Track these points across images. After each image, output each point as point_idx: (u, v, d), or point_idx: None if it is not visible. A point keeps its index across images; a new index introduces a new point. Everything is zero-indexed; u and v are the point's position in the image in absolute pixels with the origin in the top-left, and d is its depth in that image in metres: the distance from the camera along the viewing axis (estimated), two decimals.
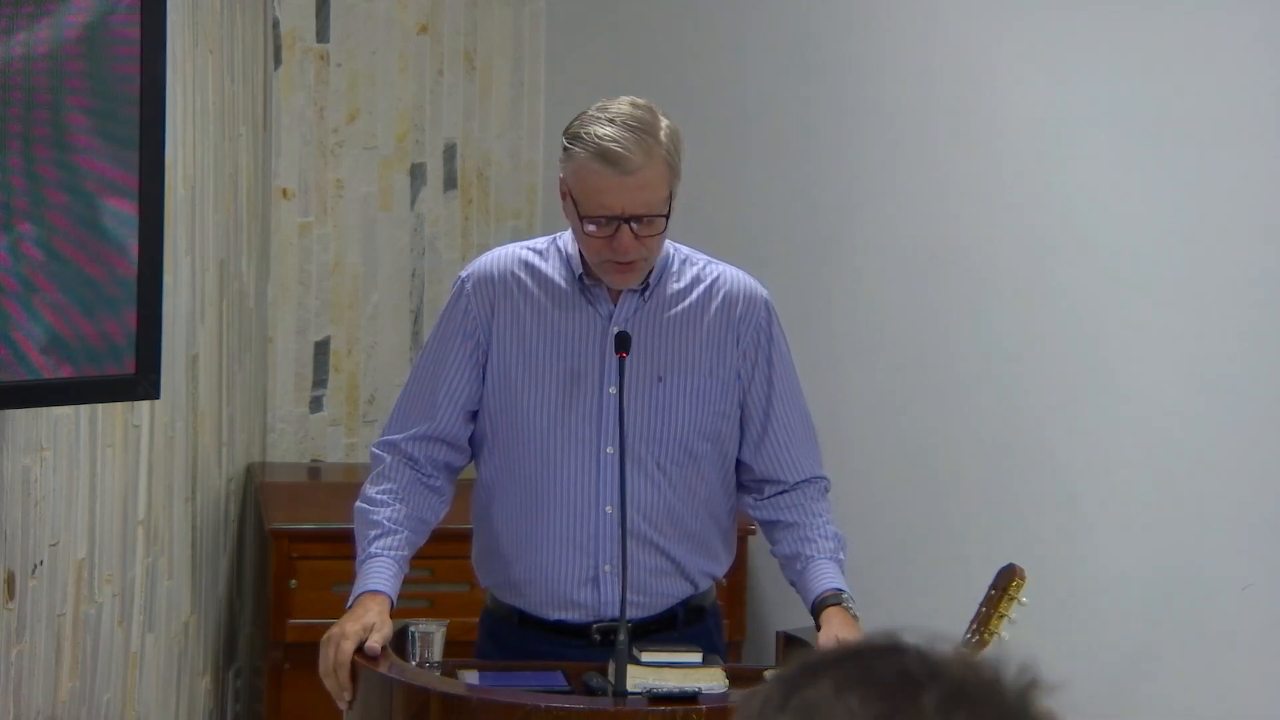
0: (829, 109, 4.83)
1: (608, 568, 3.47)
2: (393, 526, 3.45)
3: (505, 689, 3.29)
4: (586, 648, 3.46)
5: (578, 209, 3.36)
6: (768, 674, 2.38)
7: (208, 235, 4.86)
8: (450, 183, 5.73)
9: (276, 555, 4.93)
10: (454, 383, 3.51)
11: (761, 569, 5.07)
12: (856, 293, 4.74)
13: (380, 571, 3.40)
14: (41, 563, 3.78)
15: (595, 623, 3.48)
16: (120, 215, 3.36)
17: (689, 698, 3.22)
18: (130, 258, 3.38)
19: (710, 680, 3.27)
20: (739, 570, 4.75)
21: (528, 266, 3.51)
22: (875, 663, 1.33)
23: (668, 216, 3.36)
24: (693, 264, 3.53)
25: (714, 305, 3.50)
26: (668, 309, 3.49)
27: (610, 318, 3.47)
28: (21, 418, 3.63)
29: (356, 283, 5.67)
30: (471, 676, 3.40)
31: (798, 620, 4.24)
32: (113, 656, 4.22)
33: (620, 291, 3.46)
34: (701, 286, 3.51)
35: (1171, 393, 3.81)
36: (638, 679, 3.25)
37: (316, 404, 5.67)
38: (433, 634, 3.39)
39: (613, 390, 3.44)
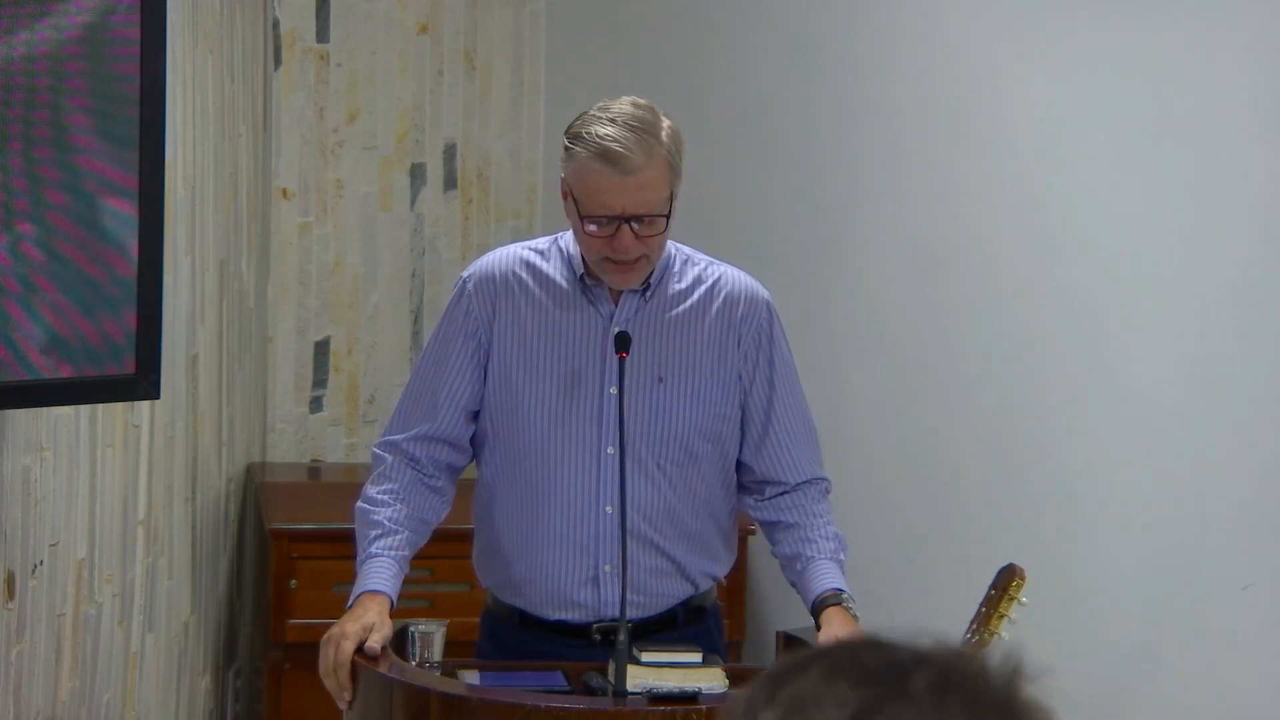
0: (829, 109, 4.83)
1: (608, 568, 3.47)
2: (393, 526, 3.45)
3: (505, 689, 3.29)
4: (587, 648, 3.46)
5: (578, 208, 3.36)
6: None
7: (208, 235, 4.86)
8: (450, 183, 5.73)
9: (276, 555, 4.93)
10: (455, 383, 3.51)
11: (761, 569, 5.07)
12: (856, 293, 4.75)
13: (380, 571, 3.40)
14: (41, 563, 3.78)
15: (595, 623, 3.48)
16: (120, 215, 3.36)
17: (689, 698, 3.22)
18: (130, 258, 3.38)
19: (710, 680, 3.27)
20: (739, 570, 4.74)
21: (529, 267, 3.51)
22: (862, 653, 1.34)
23: (668, 217, 3.36)
24: (694, 264, 3.53)
25: (715, 306, 3.50)
26: (669, 309, 3.49)
27: (611, 318, 3.47)
28: (21, 418, 3.63)
29: (356, 283, 5.67)
30: (472, 676, 3.40)
31: (798, 620, 4.24)
32: (113, 656, 4.22)
33: (621, 291, 3.46)
34: (703, 287, 3.51)
35: (1171, 393, 3.81)
36: (638, 679, 3.25)
37: (316, 404, 5.67)
38: (433, 634, 3.40)
39: (613, 390, 3.44)
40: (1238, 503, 3.69)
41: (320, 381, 5.67)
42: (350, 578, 3.46)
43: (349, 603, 3.39)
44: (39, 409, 3.66)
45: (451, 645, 3.44)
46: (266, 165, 5.53)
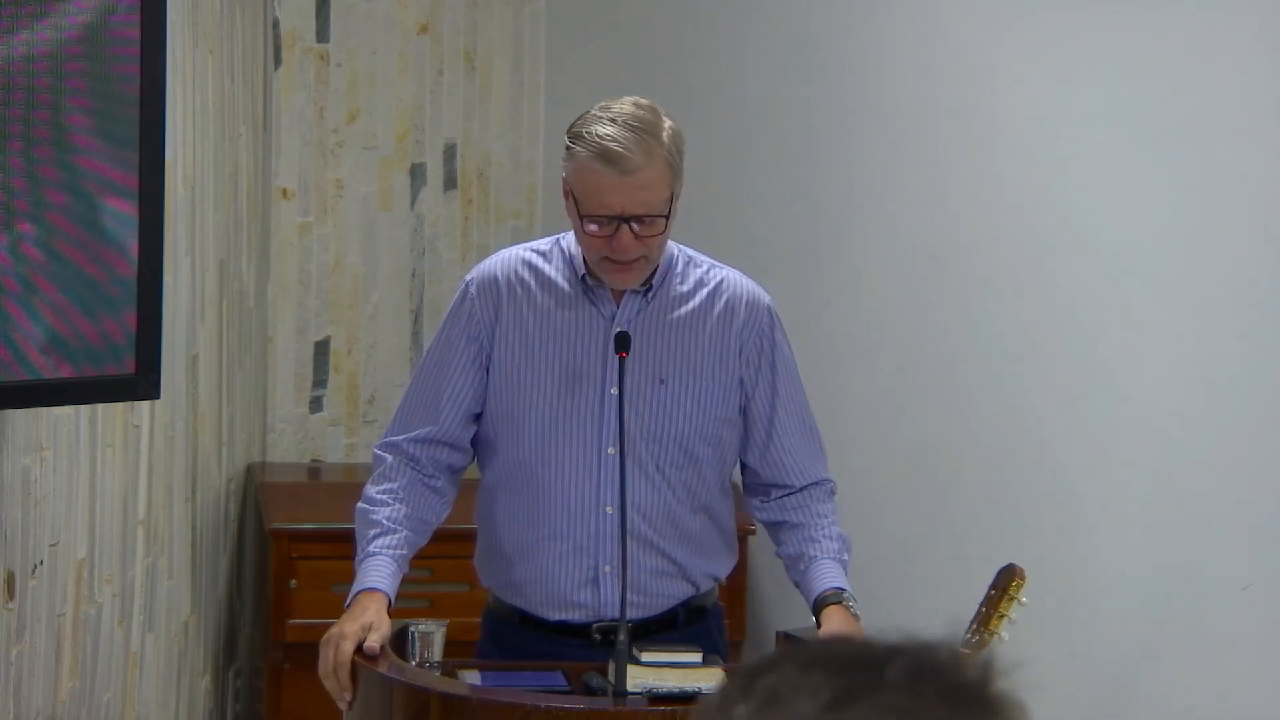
0: (829, 109, 4.83)
1: (608, 568, 3.47)
2: (392, 525, 3.45)
3: (505, 689, 3.29)
4: (587, 648, 3.46)
5: (578, 208, 3.36)
6: None
7: (208, 235, 4.86)
8: (450, 183, 5.73)
9: (276, 555, 4.93)
10: (457, 385, 3.51)
11: (762, 569, 5.07)
12: (856, 293, 4.74)
13: (378, 570, 3.41)
14: (41, 563, 3.78)
15: (595, 623, 3.48)
16: (120, 215, 3.36)
17: (689, 698, 3.22)
18: (130, 258, 3.38)
19: (710, 680, 3.27)
20: (739, 570, 4.74)
21: (531, 268, 3.51)
22: (836, 646, 1.34)
23: (668, 217, 3.36)
24: (697, 266, 3.53)
25: (717, 310, 3.50)
26: (671, 311, 3.49)
27: (613, 318, 3.47)
28: (21, 418, 3.63)
29: (356, 283, 5.67)
30: (472, 676, 3.40)
31: (798, 620, 4.23)
32: (113, 656, 4.22)
33: (624, 292, 3.46)
34: (705, 290, 3.51)
35: (1171, 393, 3.81)
36: (638, 679, 3.25)
37: (316, 404, 5.67)
38: (433, 634, 3.40)
39: (614, 391, 3.45)
40: (1238, 503, 3.69)
41: (320, 381, 5.67)
42: (350, 578, 3.46)
43: (347, 602, 3.40)
44: (39, 409, 3.66)
45: (451, 645, 3.44)
46: (266, 165, 5.53)
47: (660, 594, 3.52)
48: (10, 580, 3.63)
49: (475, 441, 3.57)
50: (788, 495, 3.56)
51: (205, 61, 4.75)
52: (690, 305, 3.50)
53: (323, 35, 5.60)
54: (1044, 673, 3.99)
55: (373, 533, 3.45)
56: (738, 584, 4.89)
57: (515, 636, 3.56)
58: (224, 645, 5.19)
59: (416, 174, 5.70)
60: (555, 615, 3.51)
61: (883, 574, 4.49)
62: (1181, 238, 3.80)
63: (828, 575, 3.47)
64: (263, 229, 5.51)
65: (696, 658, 3.35)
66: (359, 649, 3.29)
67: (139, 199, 3.36)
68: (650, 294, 3.48)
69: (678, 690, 3.24)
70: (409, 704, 3.24)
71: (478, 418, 3.55)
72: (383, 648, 3.31)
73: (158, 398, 3.56)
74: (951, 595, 3.87)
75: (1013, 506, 4.21)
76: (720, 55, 5.23)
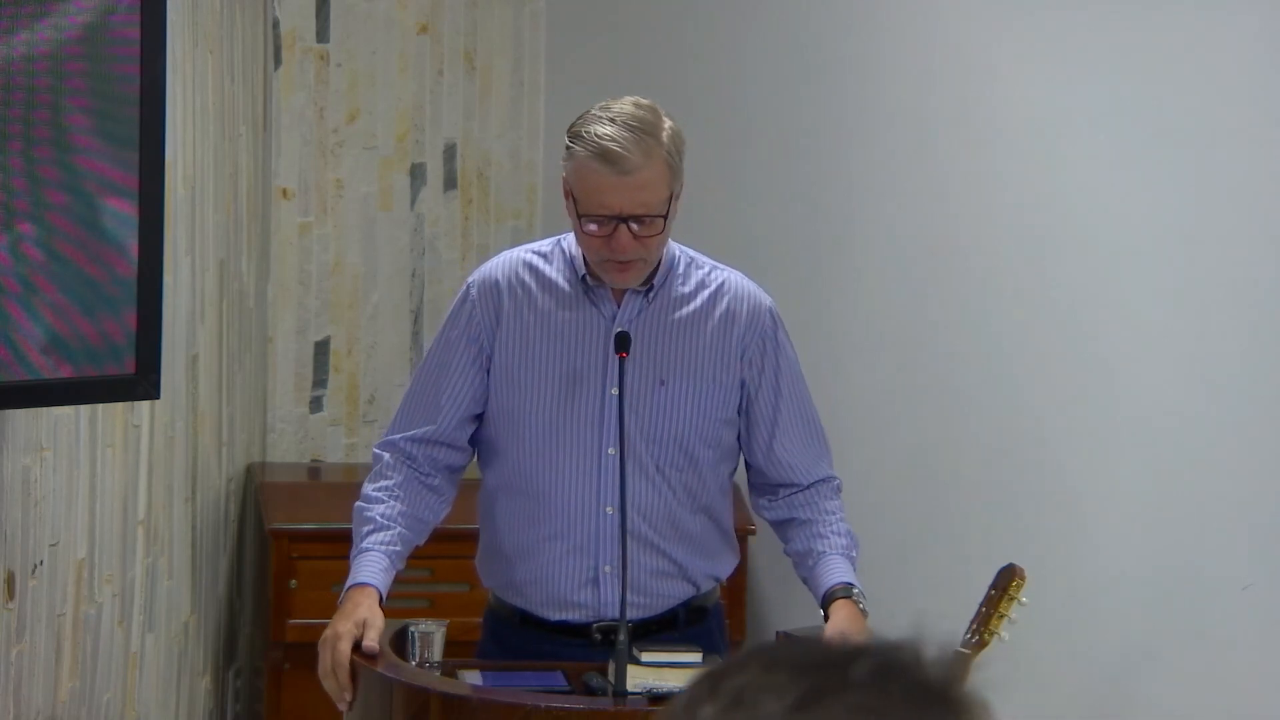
0: (829, 109, 4.83)
1: (608, 568, 3.47)
2: (385, 522, 3.46)
3: (505, 689, 3.29)
4: (587, 648, 3.46)
5: (577, 208, 3.37)
6: None
7: (208, 235, 4.86)
8: (450, 183, 5.73)
9: (276, 555, 4.93)
10: (457, 386, 3.51)
11: (762, 569, 5.07)
12: (856, 293, 4.74)
13: (370, 565, 3.41)
14: (41, 563, 3.78)
15: (596, 623, 3.48)
16: (120, 215, 3.36)
17: None
18: (130, 258, 3.38)
19: None
20: (739, 570, 4.74)
21: (531, 269, 3.51)
22: (800, 647, 1.35)
23: (666, 217, 3.36)
24: (698, 268, 3.53)
25: (718, 312, 3.50)
26: (672, 312, 3.49)
27: (613, 319, 3.47)
28: (21, 418, 3.63)
29: (356, 283, 5.67)
30: (473, 676, 3.40)
31: (798, 620, 4.24)
32: (113, 656, 4.22)
33: (625, 292, 3.46)
34: (706, 292, 3.51)
35: (1171, 393, 3.81)
36: (638, 679, 3.25)
37: (316, 404, 5.67)
38: (433, 634, 3.40)
39: (614, 392, 3.45)
40: (1238, 503, 3.70)
41: (320, 381, 5.67)
42: None
43: (340, 598, 3.40)
44: (39, 409, 3.66)
45: (451, 645, 3.44)
46: (266, 165, 5.53)
47: (660, 594, 3.52)
48: (10, 580, 3.63)
49: (477, 442, 3.57)
50: (795, 493, 3.56)
51: (205, 61, 4.75)
52: (691, 306, 3.50)
53: (323, 35, 5.60)
54: (1044, 673, 4.00)
55: (367, 529, 3.46)
56: (738, 584, 4.89)
57: (516, 637, 3.56)
58: (224, 645, 5.19)
59: (416, 174, 5.70)
60: (555, 615, 3.51)
61: (883, 574, 4.49)
62: (1181, 238, 3.80)
63: (836, 571, 3.47)
64: (263, 229, 5.51)
65: (696, 658, 3.35)
66: (357, 648, 3.30)
67: (139, 199, 3.36)
68: (651, 295, 3.48)
69: (678, 690, 3.23)
70: (409, 704, 3.24)
71: (476, 418, 3.55)
72: (380, 645, 3.31)
73: (158, 398, 3.56)
74: (951, 595, 3.87)
75: (1013, 506, 4.21)
76: (720, 55, 5.23)
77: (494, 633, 3.64)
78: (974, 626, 3.31)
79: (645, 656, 3.33)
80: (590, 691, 3.31)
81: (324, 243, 5.64)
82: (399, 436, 3.54)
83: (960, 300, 4.38)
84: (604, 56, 5.60)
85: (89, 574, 4.05)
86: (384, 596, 3.38)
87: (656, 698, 3.23)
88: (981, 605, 3.32)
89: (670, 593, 3.54)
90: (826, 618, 3.43)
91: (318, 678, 3.35)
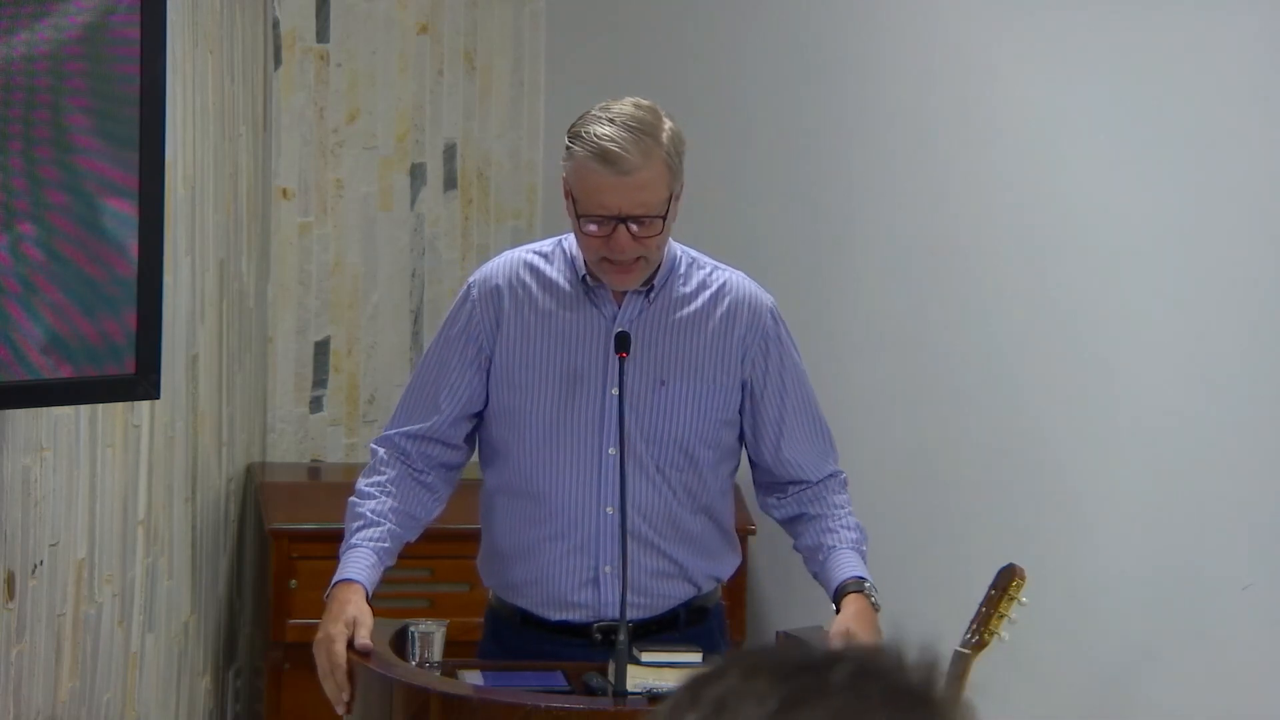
0: (829, 109, 4.83)
1: (608, 569, 3.47)
2: (375, 519, 3.47)
3: (505, 689, 3.29)
4: (588, 648, 3.46)
5: (576, 208, 3.37)
6: None
7: (208, 235, 4.86)
8: (450, 183, 5.72)
9: (276, 555, 4.93)
10: (455, 384, 3.52)
11: (762, 569, 5.07)
12: (856, 293, 4.74)
13: (357, 562, 3.42)
14: (41, 563, 3.78)
15: (596, 623, 3.48)
16: (120, 215, 3.36)
17: None
18: (130, 258, 3.38)
19: None
20: (739, 570, 4.74)
21: (532, 270, 3.51)
22: (781, 653, 1.35)
23: (665, 218, 3.36)
24: (700, 268, 3.53)
25: (719, 312, 3.50)
26: (673, 312, 3.49)
27: (614, 319, 3.47)
28: (21, 418, 3.63)
29: (356, 283, 5.67)
30: (473, 676, 3.40)
31: (798, 620, 4.24)
32: (113, 656, 4.22)
33: (625, 292, 3.46)
34: (708, 292, 3.51)
35: (1171, 393, 3.81)
36: (638, 679, 3.25)
37: (316, 404, 5.67)
38: (433, 634, 3.40)
39: (615, 392, 3.45)
40: (1238, 503, 3.70)
41: (320, 381, 5.67)
42: None
43: (326, 594, 3.41)
44: (39, 409, 3.66)
45: (451, 645, 3.44)
46: (266, 165, 5.52)
47: (661, 594, 3.52)
48: (10, 580, 3.63)
49: (478, 442, 3.58)
50: (804, 490, 3.57)
51: (205, 61, 4.75)
52: (692, 307, 3.50)
53: (323, 35, 5.60)
54: (1044, 673, 4.00)
55: (356, 525, 3.47)
56: (738, 584, 4.88)
57: (516, 637, 3.57)
58: (224, 645, 5.19)
59: (416, 174, 5.70)
60: (556, 615, 3.51)
61: (883, 574, 4.48)
62: (1181, 238, 3.80)
63: (847, 565, 3.48)
64: (263, 229, 5.51)
65: (696, 658, 3.35)
66: (351, 646, 3.31)
67: (139, 199, 3.36)
68: (652, 295, 3.48)
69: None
70: (409, 704, 3.24)
71: (474, 417, 3.55)
72: (373, 642, 3.32)
73: (158, 398, 3.56)
74: (951, 595, 3.87)
75: (1013, 506, 4.21)
76: (720, 55, 5.23)
77: (494, 633, 3.64)
78: (974, 626, 3.31)
79: (645, 656, 3.33)
80: (590, 691, 3.31)
81: (324, 243, 5.64)
82: (394, 432, 3.55)
83: (960, 300, 4.38)
84: (604, 56, 5.59)
85: (89, 574, 4.05)
86: (370, 594, 3.39)
87: (656, 698, 3.23)
88: (981, 605, 3.32)
89: (671, 593, 3.54)
90: (839, 611, 3.43)
91: (317, 678, 3.36)
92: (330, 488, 5.48)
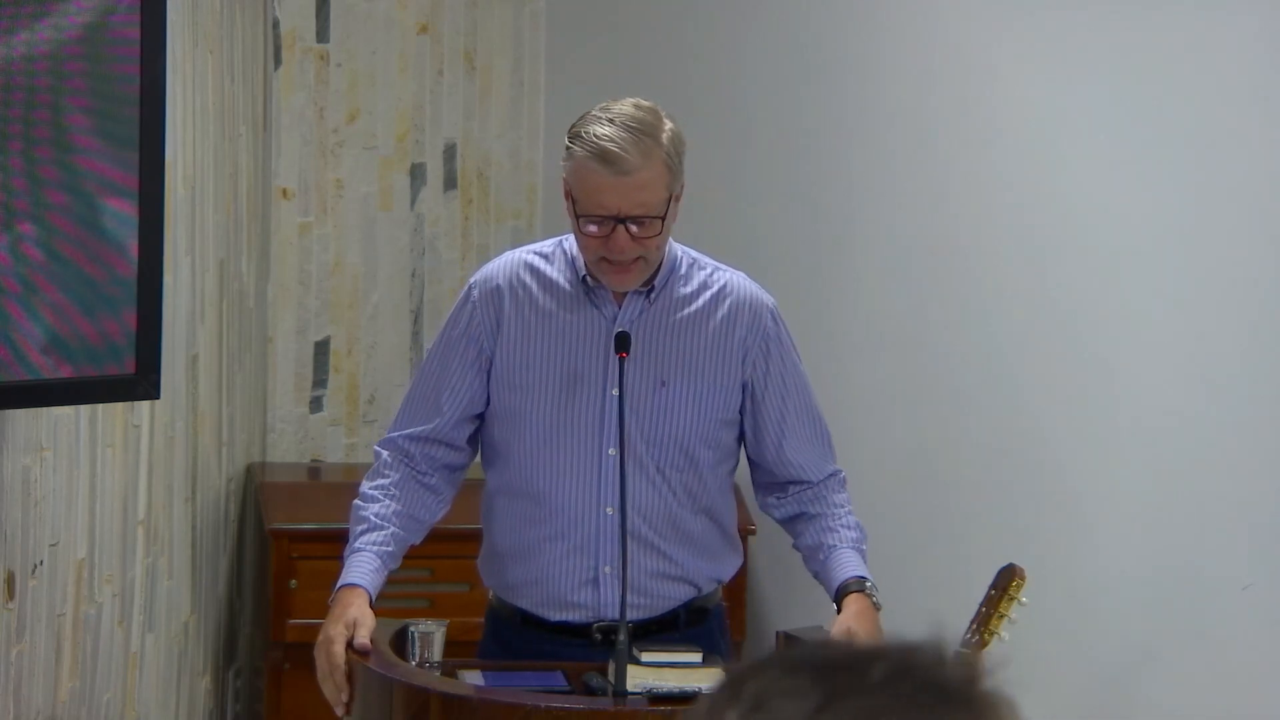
0: (829, 109, 4.83)
1: (608, 569, 3.47)
2: (379, 522, 3.47)
3: (505, 689, 3.29)
4: (588, 648, 3.46)
5: (575, 208, 3.37)
6: None
7: (208, 235, 4.86)
8: (450, 183, 5.73)
9: (276, 555, 4.93)
10: (457, 386, 3.52)
11: (762, 569, 5.07)
12: (856, 293, 4.75)
13: (360, 566, 3.43)
14: (41, 563, 3.78)
15: (596, 623, 3.48)
16: (120, 215, 3.36)
17: (689, 698, 3.22)
18: (130, 258, 3.38)
19: (710, 680, 3.26)
20: (739, 570, 4.75)
21: (533, 270, 3.52)
22: (821, 650, 1.35)
23: (665, 219, 3.36)
24: (701, 269, 3.53)
25: (720, 313, 3.50)
26: (673, 313, 3.49)
27: (614, 319, 3.47)
28: (21, 418, 3.63)
29: (356, 283, 5.67)
30: (473, 676, 3.40)
31: (798, 620, 4.24)
32: (113, 656, 4.22)
33: (625, 293, 3.47)
34: (708, 293, 3.51)
35: (1171, 393, 3.82)
36: (638, 679, 3.25)
37: (316, 404, 5.67)
38: (433, 634, 3.40)
39: (615, 392, 3.45)
40: (1238, 503, 3.70)
41: (320, 381, 5.67)
42: None
43: (331, 598, 3.42)
44: (39, 409, 3.66)
45: (451, 645, 3.44)
46: (266, 165, 5.53)
47: (661, 595, 3.52)
48: (10, 580, 3.63)
49: (479, 443, 3.58)
50: (804, 489, 3.57)
51: (205, 61, 4.75)
52: (693, 307, 3.50)
53: (323, 35, 5.60)
54: (1044, 673, 4.00)
55: (361, 528, 3.48)
56: (738, 584, 4.88)
57: (517, 637, 3.57)
58: (224, 645, 5.19)
59: (416, 174, 5.70)
60: (556, 615, 3.51)
61: (883, 574, 4.48)
62: (1181, 238, 3.80)
63: (848, 564, 3.48)
64: (263, 229, 5.51)
65: (696, 658, 3.35)
66: (350, 647, 3.31)
67: (139, 199, 3.37)
68: (653, 295, 3.48)
69: (678, 690, 3.24)
70: (409, 704, 3.24)
71: (476, 419, 3.55)
72: (373, 641, 3.33)
73: (158, 398, 3.56)
74: (951, 595, 3.87)
75: (1013, 506, 4.21)
76: (720, 55, 5.23)
77: (495, 632, 3.64)
78: (974, 626, 3.31)
79: (645, 656, 3.33)
80: (590, 691, 3.31)
81: (324, 243, 5.64)
82: (398, 434, 3.55)
83: (960, 300, 4.38)
84: (604, 56, 5.59)
85: (89, 574, 4.05)
86: (374, 597, 3.40)
87: (656, 698, 3.23)
88: (981, 605, 3.32)
89: (671, 594, 3.54)
90: (840, 611, 3.43)
91: (317, 679, 3.36)
92: (330, 488, 5.48)
